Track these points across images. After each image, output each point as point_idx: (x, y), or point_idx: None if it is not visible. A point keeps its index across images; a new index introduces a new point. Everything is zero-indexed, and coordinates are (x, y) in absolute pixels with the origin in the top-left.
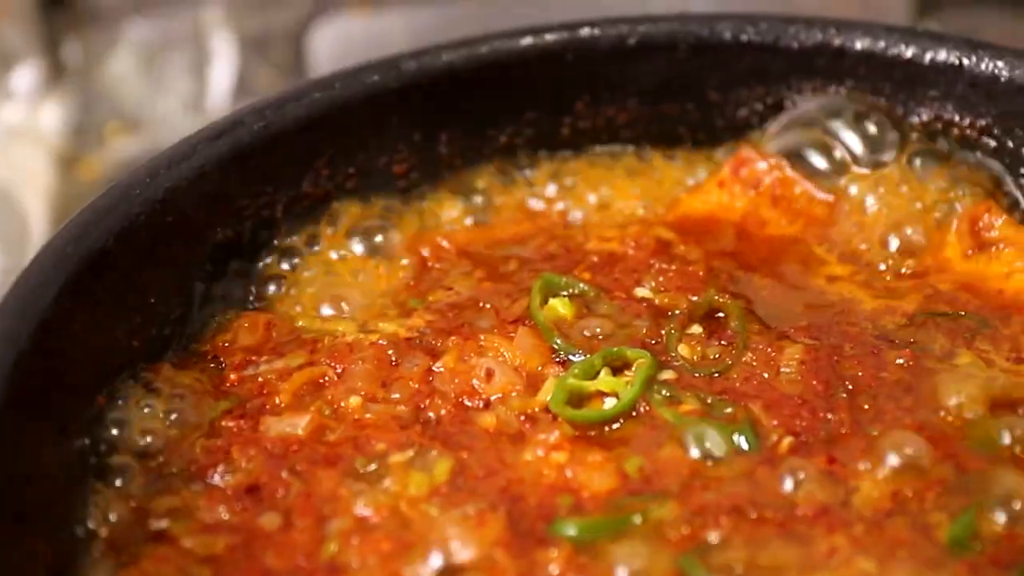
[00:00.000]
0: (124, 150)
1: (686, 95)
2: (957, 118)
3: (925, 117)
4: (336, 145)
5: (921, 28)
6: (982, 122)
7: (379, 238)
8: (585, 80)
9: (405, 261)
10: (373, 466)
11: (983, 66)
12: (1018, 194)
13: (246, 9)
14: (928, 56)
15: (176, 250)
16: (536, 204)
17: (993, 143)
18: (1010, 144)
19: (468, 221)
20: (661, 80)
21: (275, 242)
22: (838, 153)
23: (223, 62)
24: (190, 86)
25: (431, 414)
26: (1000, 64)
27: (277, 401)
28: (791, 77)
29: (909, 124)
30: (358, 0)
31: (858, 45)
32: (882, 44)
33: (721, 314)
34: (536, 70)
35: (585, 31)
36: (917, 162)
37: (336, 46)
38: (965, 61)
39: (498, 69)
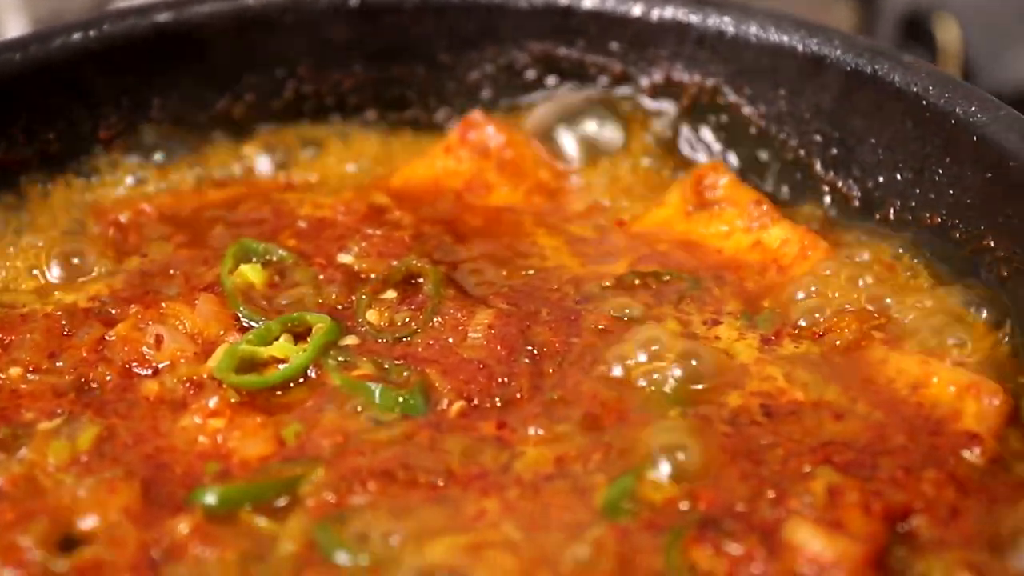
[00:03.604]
0: None
1: (415, 58)
2: (687, 77)
3: (657, 77)
4: (33, 109)
5: None
6: (711, 81)
7: (79, 205)
8: (308, 43)
9: (103, 228)
10: (16, 435)
11: (710, 23)
12: (745, 151)
13: None
14: (655, 14)
15: None
16: (253, 168)
17: (723, 101)
18: (740, 102)
19: (179, 185)
20: (388, 43)
21: None
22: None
23: None
24: None
25: (95, 383)
26: (726, 20)
27: None
28: (522, 38)
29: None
30: None
31: (586, 4)
32: (610, 2)
33: (421, 280)
34: (255, 33)
35: None
36: (646, 123)
37: None
38: (692, 18)
39: (213, 31)
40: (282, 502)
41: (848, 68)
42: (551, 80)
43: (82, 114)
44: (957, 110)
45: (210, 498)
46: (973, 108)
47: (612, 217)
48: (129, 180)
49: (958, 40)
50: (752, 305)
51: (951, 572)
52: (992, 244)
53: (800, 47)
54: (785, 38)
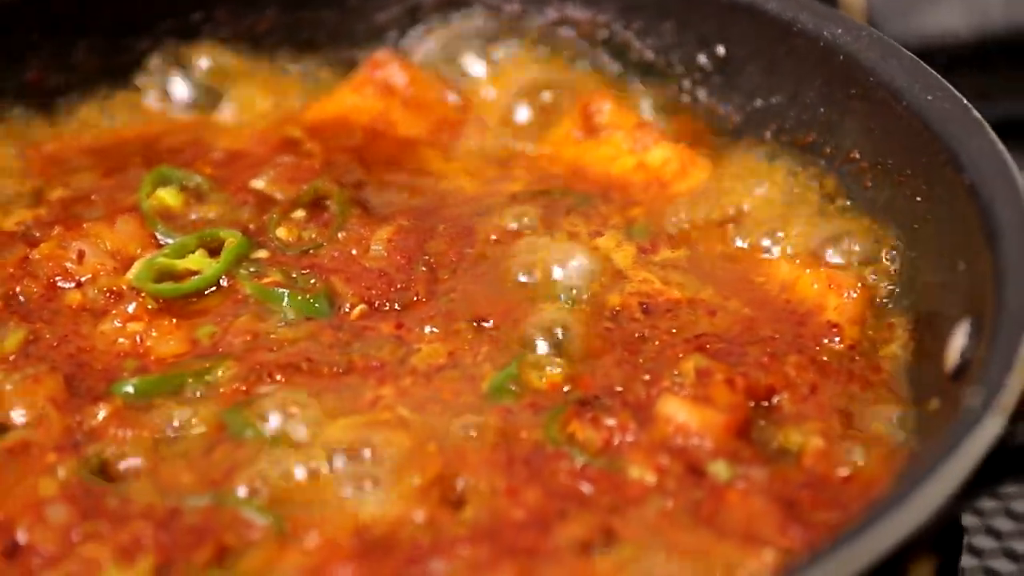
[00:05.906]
0: None
1: (325, 2)
2: (580, 14)
3: (552, 15)
4: None
5: None
6: (603, 16)
7: (6, 140)
8: None
9: (28, 162)
10: None
11: None
12: (634, 80)
13: None
14: None
15: None
16: (173, 106)
17: (613, 35)
18: (628, 34)
19: (102, 123)
20: None
21: None
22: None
23: None
24: None
25: (22, 295)
26: None
27: None
28: None
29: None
30: None
31: None
32: None
33: (329, 202)
34: None
35: None
36: (539, 55)
37: None
38: None
39: None
40: (195, 393)
41: None
42: (454, 20)
43: (8, 57)
44: (825, 33)
45: (128, 388)
46: (840, 31)
47: (509, 148)
48: (54, 119)
49: None
50: (633, 219)
51: (807, 439)
52: (858, 156)
53: None
54: None
